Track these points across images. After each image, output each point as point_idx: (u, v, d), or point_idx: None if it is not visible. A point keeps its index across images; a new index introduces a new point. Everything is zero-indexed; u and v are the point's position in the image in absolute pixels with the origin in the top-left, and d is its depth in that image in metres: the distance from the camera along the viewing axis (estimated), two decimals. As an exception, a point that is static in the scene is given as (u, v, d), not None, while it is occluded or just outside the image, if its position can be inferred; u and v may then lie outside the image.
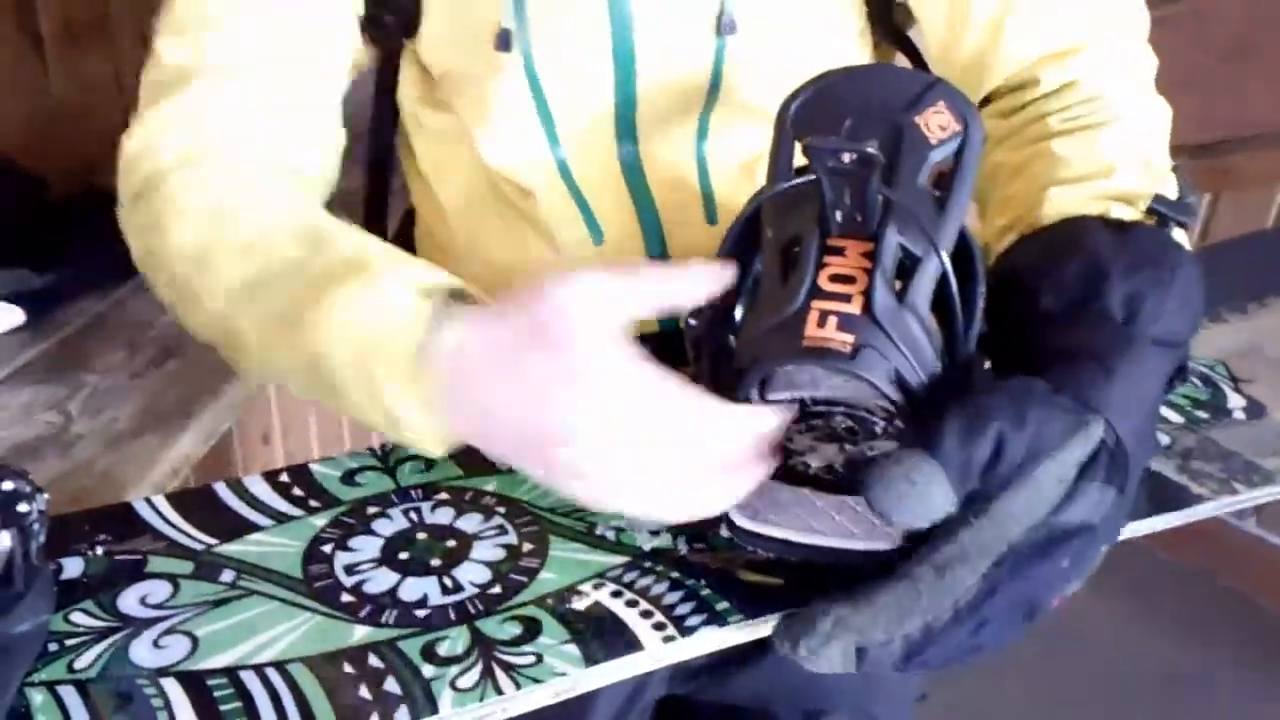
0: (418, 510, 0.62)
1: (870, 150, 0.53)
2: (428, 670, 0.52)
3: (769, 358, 0.55)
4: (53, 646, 0.53)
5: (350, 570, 0.58)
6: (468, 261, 0.80)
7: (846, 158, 0.55)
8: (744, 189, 0.67)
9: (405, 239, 0.89)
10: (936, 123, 0.57)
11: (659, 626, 0.54)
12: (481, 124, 0.74)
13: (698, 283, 0.55)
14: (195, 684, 0.51)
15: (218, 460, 0.96)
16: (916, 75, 0.62)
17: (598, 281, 0.52)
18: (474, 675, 0.51)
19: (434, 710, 0.50)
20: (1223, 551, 1.56)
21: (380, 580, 0.57)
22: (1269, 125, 1.51)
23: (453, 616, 0.55)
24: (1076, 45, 0.73)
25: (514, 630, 0.54)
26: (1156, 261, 0.57)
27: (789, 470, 0.59)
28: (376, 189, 0.85)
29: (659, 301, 0.54)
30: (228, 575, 0.58)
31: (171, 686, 0.51)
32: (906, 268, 0.55)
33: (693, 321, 0.60)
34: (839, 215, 0.55)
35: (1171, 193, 0.65)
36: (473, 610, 0.55)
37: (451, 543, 0.60)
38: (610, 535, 0.60)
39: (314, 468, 0.65)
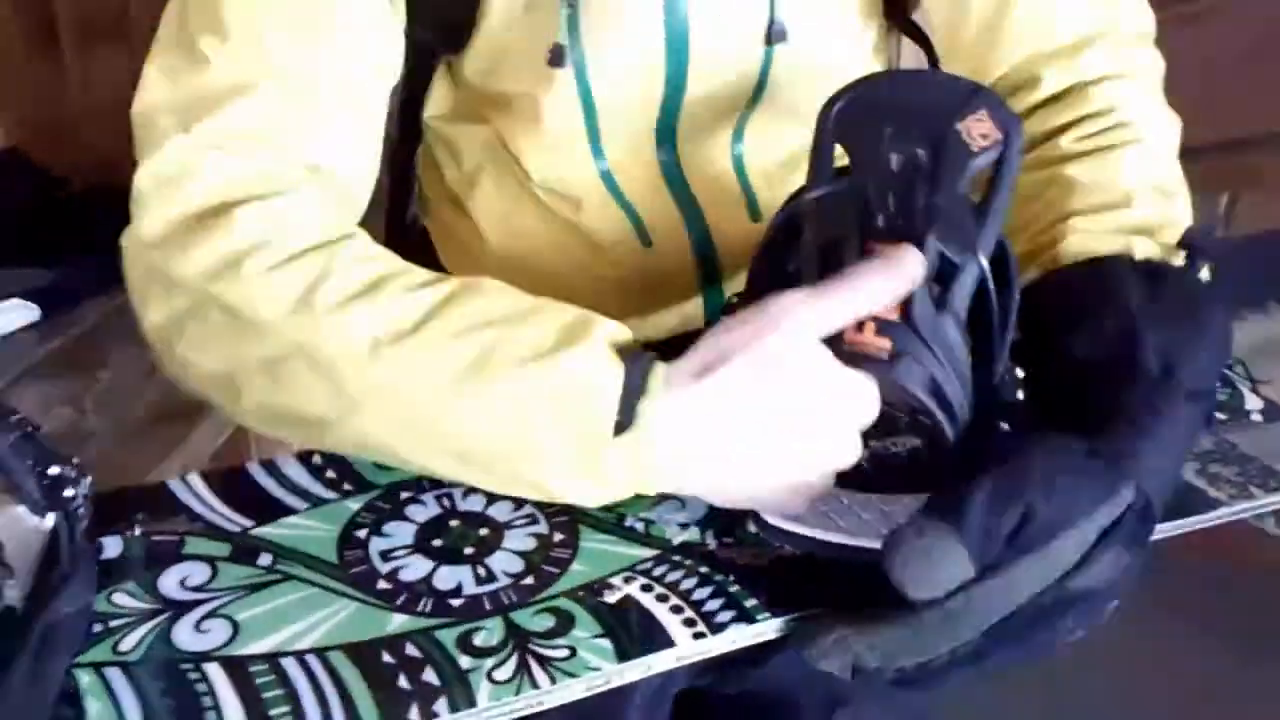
0: (449, 496, 0.63)
1: (918, 152, 0.54)
2: (465, 661, 0.53)
3: None
4: (97, 628, 0.55)
5: (385, 556, 0.59)
6: (508, 274, 0.80)
7: (893, 162, 0.55)
8: (783, 185, 0.67)
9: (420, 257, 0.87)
10: (978, 131, 0.58)
11: (689, 623, 0.55)
12: (529, 138, 0.73)
13: (887, 280, 0.55)
14: (238, 669, 0.53)
15: (231, 454, 0.97)
16: (959, 81, 0.62)
17: (807, 307, 0.54)
18: (510, 668, 0.53)
19: (471, 702, 0.51)
20: (1243, 552, 1.57)
21: (415, 568, 0.58)
22: None
23: (487, 607, 0.56)
24: (1078, 44, 0.73)
25: (548, 623, 0.55)
26: (1190, 314, 0.58)
27: None
28: (399, 206, 0.84)
29: (860, 313, 0.55)
30: (265, 559, 0.59)
31: (215, 671, 0.52)
32: (945, 275, 0.56)
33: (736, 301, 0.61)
34: (881, 219, 0.56)
35: (1187, 216, 0.66)
36: (506, 601, 0.56)
37: (484, 531, 0.61)
38: (640, 527, 0.61)
39: (347, 450, 0.66)
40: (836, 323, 0.54)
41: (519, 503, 0.62)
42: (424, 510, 0.62)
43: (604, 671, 0.53)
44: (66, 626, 0.53)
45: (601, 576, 0.58)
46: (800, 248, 0.59)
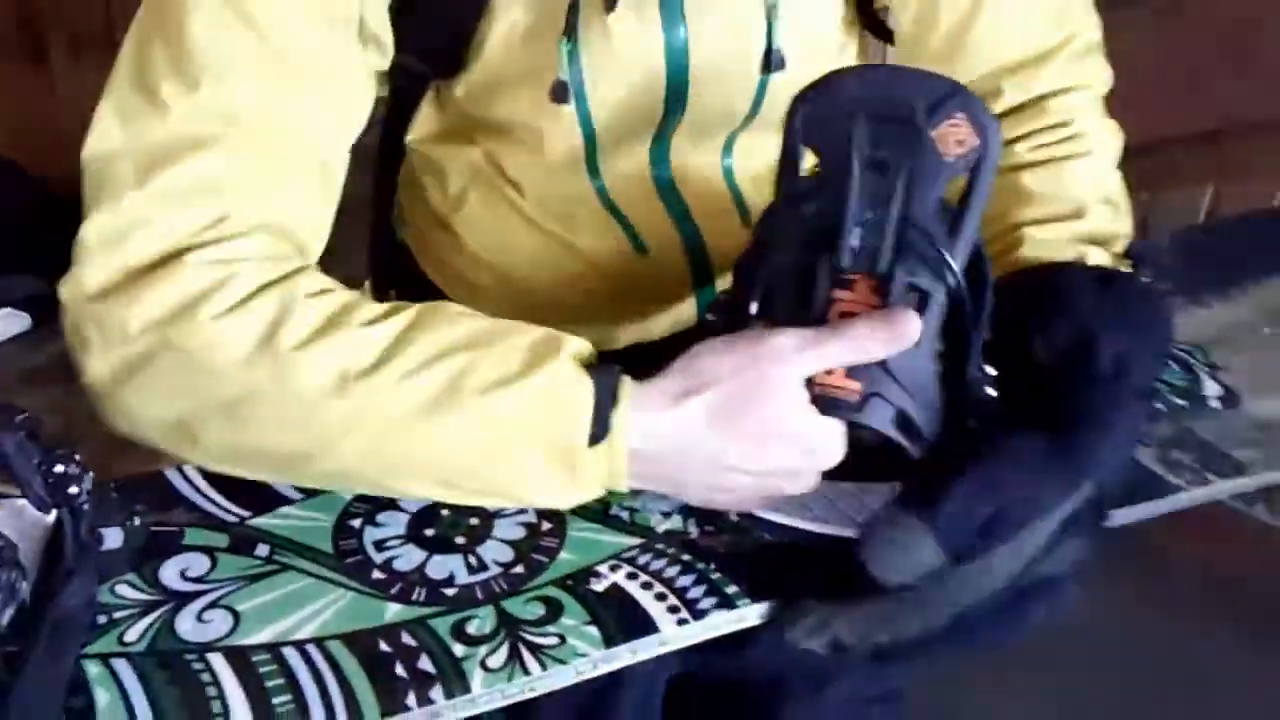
0: (440, 486, 0.65)
1: (888, 163, 0.56)
2: (458, 649, 0.55)
3: None
4: (102, 619, 0.57)
5: (380, 546, 0.61)
6: (497, 287, 0.81)
7: (862, 173, 0.57)
8: (771, 187, 0.69)
9: (405, 272, 0.88)
10: (954, 137, 0.58)
11: (673, 610, 0.58)
12: (526, 161, 0.74)
13: (880, 343, 0.57)
14: (240, 659, 0.55)
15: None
16: (935, 79, 0.60)
17: (798, 354, 0.57)
18: (502, 655, 0.55)
19: (466, 689, 0.54)
20: (1226, 539, 1.59)
21: (409, 557, 0.61)
22: (1269, 116, 1.52)
23: (480, 596, 0.58)
24: (1039, 57, 0.75)
25: (538, 610, 0.58)
26: (1140, 319, 0.63)
27: None
28: (382, 223, 0.85)
29: (847, 362, 0.57)
30: (263, 549, 0.61)
31: (218, 661, 0.55)
32: (916, 305, 0.57)
33: (711, 317, 0.63)
34: (852, 245, 0.57)
35: (1131, 227, 0.71)
36: (498, 590, 0.59)
37: (474, 520, 0.63)
38: (625, 516, 0.63)
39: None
40: (823, 370, 0.57)
41: (507, 492, 0.65)
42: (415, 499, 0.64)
43: (591, 658, 0.55)
44: (74, 619, 0.55)
45: (589, 565, 0.60)
46: (773, 265, 0.60)
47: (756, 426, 0.57)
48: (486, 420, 0.57)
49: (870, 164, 0.57)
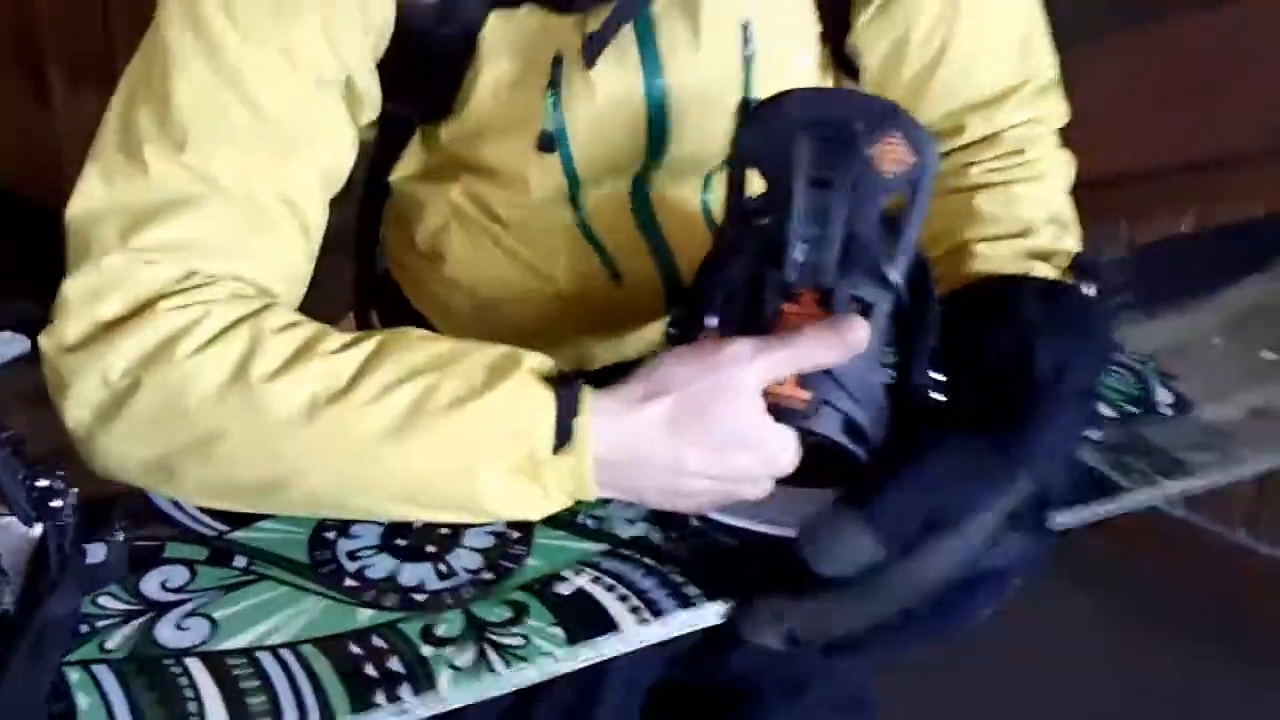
0: (413, 499, 0.67)
1: (830, 181, 0.59)
2: (427, 650, 0.58)
3: None
4: (84, 628, 0.59)
5: (353, 556, 0.64)
6: (481, 314, 0.83)
7: (804, 192, 0.60)
8: None
9: (392, 303, 0.90)
10: (891, 156, 0.61)
11: (634, 610, 0.60)
12: (510, 201, 0.77)
13: (829, 350, 0.60)
14: (217, 664, 0.57)
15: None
16: (873, 101, 0.64)
17: (751, 361, 0.59)
18: (469, 655, 0.57)
19: (433, 687, 0.56)
20: (1211, 562, 1.61)
21: (381, 566, 0.63)
22: (1246, 146, 1.54)
23: (449, 601, 0.61)
24: (1002, 95, 0.79)
25: (505, 613, 0.60)
26: (1080, 327, 0.66)
27: None
28: (367, 257, 0.88)
29: (798, 369, 0.60)
30: (240, 561, 0.63)
31: (195, 665, 0.57)
32: (861, 315, 0.60)
33: (673, 330, 0.65)
34: (797, 259, 0.60)
35: (1078, 244, 0.74)
36: (467, 595, 0.61)
37: (445, 530, 0.65)
38: (590, 524, 0.66)
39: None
40: (776, 377, 0.60)
41: (478, 504, 0.67)
42: (389, 512, 0.66)
43: (555, 657, 0.58)
44: (57, 628, 0.57)
45: (555, 570, 0.62)
46: (726, 280, 0.63)
47: (716, 432, 0.60)
48: (450, 438, 0.60)
49: (813, 182, 0.60)
